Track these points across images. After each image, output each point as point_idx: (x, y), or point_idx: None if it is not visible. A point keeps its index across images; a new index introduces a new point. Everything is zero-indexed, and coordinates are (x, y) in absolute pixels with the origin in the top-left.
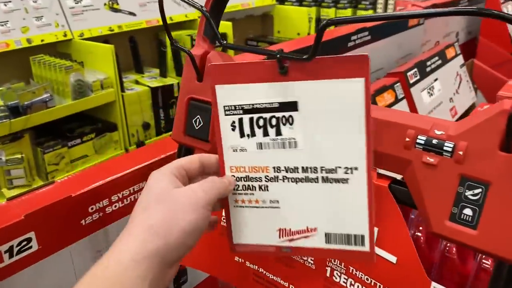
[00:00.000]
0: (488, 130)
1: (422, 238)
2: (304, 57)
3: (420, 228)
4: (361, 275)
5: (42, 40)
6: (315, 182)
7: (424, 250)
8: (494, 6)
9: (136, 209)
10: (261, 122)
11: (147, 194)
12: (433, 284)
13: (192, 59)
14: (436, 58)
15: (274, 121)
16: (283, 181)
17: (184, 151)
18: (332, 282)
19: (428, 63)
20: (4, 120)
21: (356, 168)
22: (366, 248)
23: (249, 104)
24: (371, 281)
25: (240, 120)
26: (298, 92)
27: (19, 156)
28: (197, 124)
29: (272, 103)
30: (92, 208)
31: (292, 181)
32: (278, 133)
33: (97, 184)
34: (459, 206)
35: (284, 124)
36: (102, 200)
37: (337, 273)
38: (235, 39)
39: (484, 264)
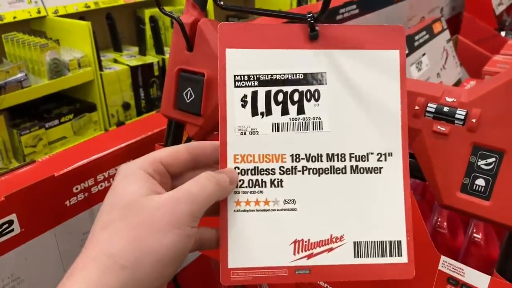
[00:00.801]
0: (502, 96)
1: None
2: (312, 15)
3: None
4: None
5: (14, 17)
6: (342, 173)
7: None
8: None
9: (95, 226)
10: (280, 97)
11: (110, 203)
12: (443, 257)
13: (181, 26)
14: (424, 32)
15: (296, 96)
16: (303, 173)
17: (174, 126)
18: None
19: (416, 37)
20: None
21: (390, 154)
22: (404, 258)
23: (267, 75)
24: None
25: (254, 94)
26: (328, 62)
27: None
28: (188, 97)
29: (295, 74)
30: (76, 188)
31: (314, 173)
32: (301, 111)
33: (82, 162)
34: (471, 177)
35: (309, 100)
36: (87, 180)
37: None
38: (215, 18)
39: (475, 238)
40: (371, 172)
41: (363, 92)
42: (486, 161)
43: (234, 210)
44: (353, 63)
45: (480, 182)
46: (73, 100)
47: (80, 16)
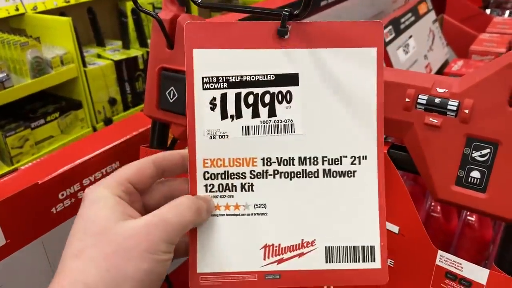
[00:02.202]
0: (495, 85)
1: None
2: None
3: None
4: None
5: None
6: (315, 176)
7: None
8: None
9: (66, 253)
10: (250, 99)
11: (81, 230)
12: (440, 252)
13: (160, 23)
14: (410, 14)
15: (267, 98)
16: (274, 177)
17: (159, 127)
18: None
19: (402, 20)
20: None
21: (365, 157)
22: (377, 264)
23: (237, 76)
24: None
25: (223, 96)
26: (300, 61)
27: None
28: (171, 97)
29: (266, 75)
30: (62, 195)
31: (285, 177)
32: (272, 113)
33: (65, 168)
34: (465, 169)
35: (280, 102)
36: (72, 185)
37: None
38: (200, 14)
39: (469, 220)
40: (344, 176)
41: (337, 93)
42: (481, 153)
43: None
44: (327, 62)
45: (475, 174)
46: (58, 98)
47: (60, 11)
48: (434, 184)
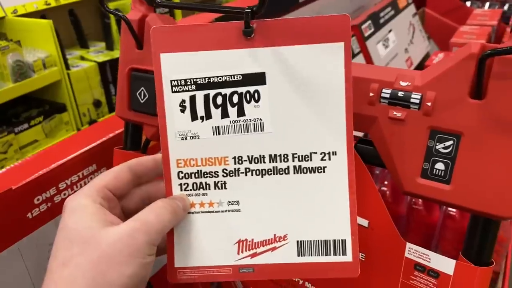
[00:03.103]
0: (456, 76)
1: (388, 192)
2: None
3: (386, 182)
4: None
5: None
6: (286, 173)
7: (390, 204)
8: None
9: (52, 263)
10: (219, 100)
11: (66, 239)
12: (408, 245)
13: (128, 24)
14: (389, 8)
15: (235, 98)
16: (246, 175)
17: (132, 128)
18: None
19: (382, 14)
20: None
21: (334, 153)
22: (348, 257)
23: (204, 78)
24: None
25: (192, 98)
26: (266, 60)
27: None
28: (142, 97)
29: (233, 75)
30: (38, 199)
31: (257, 174)
32: (241, 113)
33: (41, 172)
34: (430, 161)
35: (249, 102)
36: (48, 190)
37: None
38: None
39: (450, 212)
40: (314, 172)
41: (305, 90)
42: (444, 145)
43: None
44: (294, 59)
45: (440, 166)
46: (42, 102)
47: (41, 14)
48: (400, 177)
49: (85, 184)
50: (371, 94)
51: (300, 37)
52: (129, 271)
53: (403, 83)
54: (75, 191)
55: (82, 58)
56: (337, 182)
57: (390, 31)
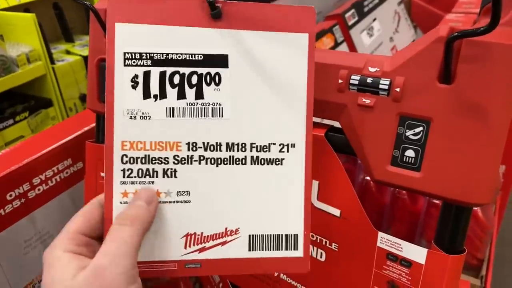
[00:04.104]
0: (425, 61)
1: (371, 182)
2: None
3: None
4: None
5: None
6: (242, 163)
7: (374, 194)
8: None
9: None
10: (176, 79)
11: None
12: (380, 234)
13: (95, 14)
14: None
15: (194, 79)
16: (199, 163)
17: (103, 120)
18: None
19: (366, 2)
20: None
21: (293, 145)
22: (300, 252)
23: (162, 53)
24: (316, 237)
25: (146, 74)
26: (231, 43)
27: None
28: None
29: (194, 54)
30: (11, 195)
31: (211, 163)
32: (199, 95)
33: (13, 168)
34: (400, 148)
35: (208, 84)
36: (21, 185)
37: None
38: None
39: (434, 200)
40: (272, 164)
41: (268, 77)
42: (414, 131)
43: (120, 202)
44: (258, 45)
45: (410, 153)
46: (27, 97)
47: (24, 8)
48: (370, 166)
49: (60, 178)
50: (340, 81)
51: (266, 24)
52: None
53: (372, 69)
54: (50, 187)
55: (68, 52)
56: (293, 176)
57: (374, 19)
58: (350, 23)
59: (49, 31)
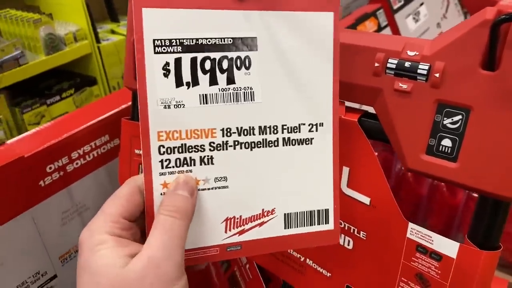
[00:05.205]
0: (467, 45)
1: (405, 171)
2: None
3: None
4: None
5: None
6: (275, 145)
7: (411, 184)
8: None
9: None
10: (207, 65)
11: (92, 283)
12: (410, 225)
13: None
14: None
15: (225, 64)
16: (234, 148)
17: None
18: None
19: None
20: None
21: (321, 124)
22: (331, 225)
23: (192, 39)
24: (344, 225)
25: (178, 61)
26: (258, 25)
27: None
28: None
29: (224, 38)
30: (50, 168)
31: (246, 147)
32: (231, 80)
33: (53, 142)
34: (436, 137)
35: (239, 68)
36: (60, 159)
37: None
38: None
39: (473, 194)
40: (302, 144)
41: (294, 58)
42: (452, 120)
43: (161, 194)
44: (284, 26)
45: (447, 142)
46: (73, 75)
47: None
48: (404, 153)
49: (97, 154)
50: (376, 65)
51: (291, 3)
52: None
53: (410, 53)
54: (87, 161)
55: (113, 32)
56: (322, 154)
57: (421, 4)
58: (395, 7)
59: (96, 11)
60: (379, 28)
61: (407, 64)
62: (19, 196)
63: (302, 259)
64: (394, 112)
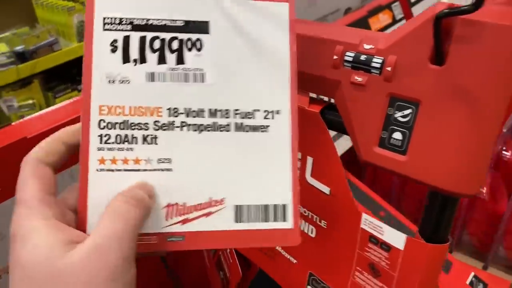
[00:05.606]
0: (417, 39)
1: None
2: None
3: None
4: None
5: None
6: (226, 130)
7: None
8: None
9: None
10: (156, 44)
11: (24, 279)
12: (364, 215)
13: None
14: None
15: (175, 44)
16: (181, 130)
17: None
18: None
19: None
20: (11, 66)
21: (278, 112)
22: (289, 223)
23: (142, 19)
24: (308, 213)
25: (126, 39)
26: (211, 9)
27: (30, 101)
28: None
29: (175, 20)
30: None
31: (193, 130)
32: (180, 61)
33: (56, 124)
34: (388, 130)
35: (190, 50)
36: None
37: None
38: None
39: None
40: (257, 131)
41: (251, 45)
42: (403, 113)
43: (97, 169)
44: (240, 12)
45: (397, 135)
46: None
47: None
48: (359, 146)
49: None
50: (335, 57)
51: None
52: None
53: (366, 46)
54: None
55: None
56: (280, 143)
57: None
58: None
59: None
60: (394, 21)
61: (362, 57)
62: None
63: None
64: (350, 105)
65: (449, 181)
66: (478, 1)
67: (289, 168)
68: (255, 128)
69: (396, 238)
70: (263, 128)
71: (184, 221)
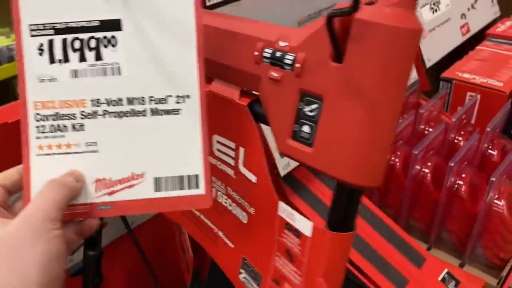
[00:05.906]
0: (321, 38)
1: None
2: None
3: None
4: (234, 194)
5: None
6: (143, 115)
7: (428, 187)
8: None
9: None
10: (76, 45)
11: None
12: (280, 203)
13: None
14: None
15: (93, 43)
16: (104, 117)
17: None
18: (217, 203)
19: None
20: None
21: (188, 96)
22: (201, 190)
23: (63, 23)
24: (241, 201)
25: (50, 42)
26: (121, 7)
27: None
28: None
29: (90, 21)
30: None
31: (114, 116)
32: (98, 57)
33: None
34: (299, 123)
35: (106, 47)
36: None
37: (220, 194)
38: None
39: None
40: (170, 114)
41: (158, 38)
42: (311, 108)
43: (36, 155)
44: (146, 8)
45: (306, 129)
46: None
47: None
48: (276, 138)
49: None
50: (256, 53)
51: None
52: (39, 249)
53: (282, 43)
54: None
55: None
56: (191, 123)
57: None
58: None
59: None
60: None
61: (278, 54)
62: (2, 163)
63: (216, 230)
64: (269, 99)
65: (350, 173)
66: (355, 3)
67: (200, 144)
68: (168, 112)
69: (305, 226)
70: (175, 112)
71: (111, 193)
